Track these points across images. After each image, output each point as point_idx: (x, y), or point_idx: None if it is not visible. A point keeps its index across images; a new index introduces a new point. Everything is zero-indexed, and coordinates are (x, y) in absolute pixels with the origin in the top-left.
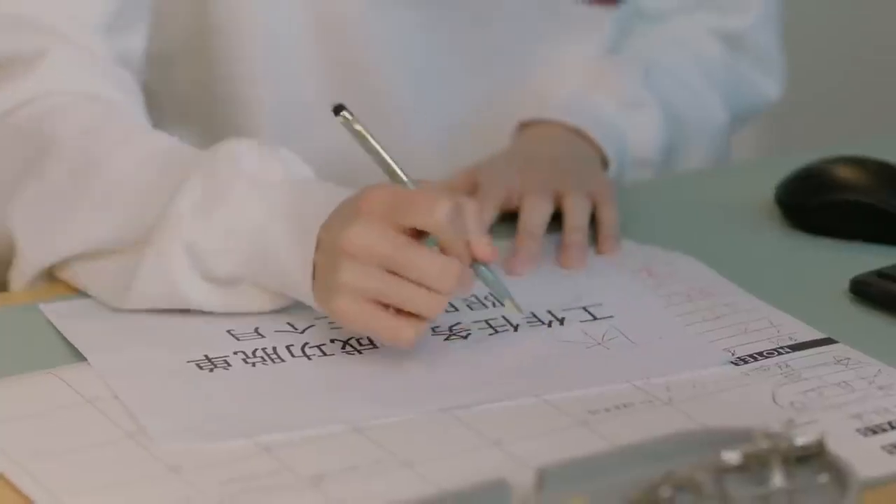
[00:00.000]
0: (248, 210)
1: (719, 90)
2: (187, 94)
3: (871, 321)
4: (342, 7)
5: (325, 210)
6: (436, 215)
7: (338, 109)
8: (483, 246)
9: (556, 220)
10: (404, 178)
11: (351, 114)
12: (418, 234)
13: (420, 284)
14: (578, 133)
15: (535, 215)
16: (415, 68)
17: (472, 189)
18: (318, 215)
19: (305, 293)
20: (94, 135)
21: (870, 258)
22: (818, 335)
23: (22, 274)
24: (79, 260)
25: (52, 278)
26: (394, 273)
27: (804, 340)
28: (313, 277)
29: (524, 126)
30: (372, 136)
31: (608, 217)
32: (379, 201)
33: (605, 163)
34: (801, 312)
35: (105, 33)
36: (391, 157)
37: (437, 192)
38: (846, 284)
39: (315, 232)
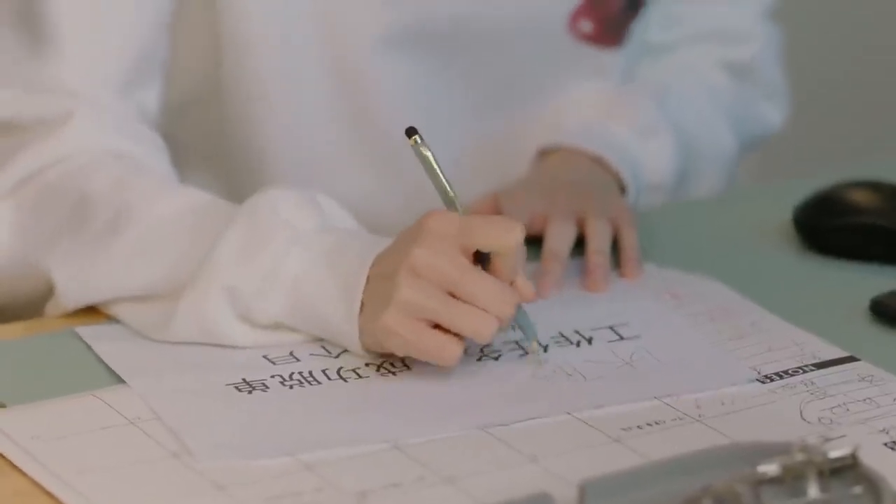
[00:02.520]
0: (289, 258)
1: (728, 118)
2: (204, 142)
3: (892, 340)
4: (353, 53)
5: (370, 255)
6: (511, 238)
7: (410, 132)
8: (529, 284)
9: (578, 245)
10: (460, 208)
11: (421, 138)
12: (475, 261)
13: (475, 307)
14: (596, 159)
15: (560, 239)
16: (424, 112)
17: (495, 214)
18: (364, 261)
19: (352, 342)
20: (127, 188)
21: (886, 279)
22: (841, 353)
23: (58, 308)
24: (116, 302)
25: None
26: (451, 294)
27: (828, 359)
28: (360, 317)
29: (543, 153)
30: (437, 162)
31: (630, 241)
32: (446, 223)
33: (622, 188)
34: (822, 332)
35: (123, 90)
36: (453, 189)
37: (505, 218)
38: (865, 304)
39: (362, 278)
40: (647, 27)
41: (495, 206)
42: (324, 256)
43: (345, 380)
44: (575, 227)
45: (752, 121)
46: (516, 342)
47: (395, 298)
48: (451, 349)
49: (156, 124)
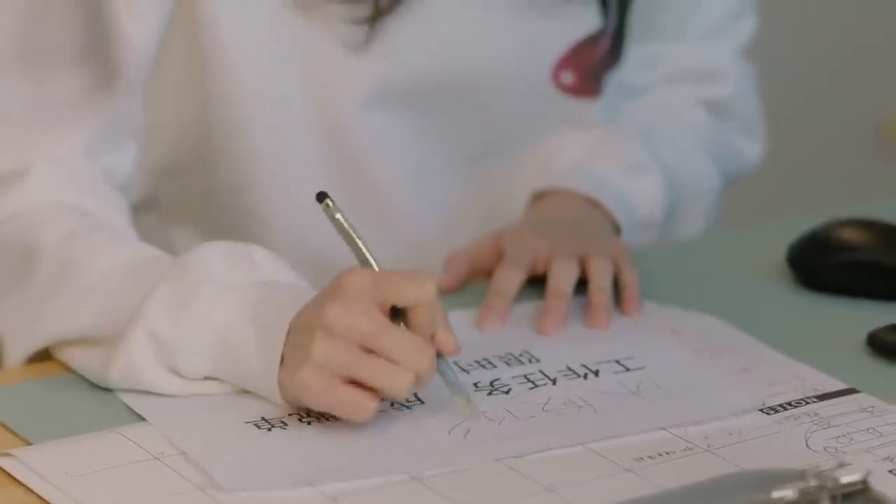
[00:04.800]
0: (214, 312)
1: (709, 154)
2: (193, 201)
3: (890, 372)
4: (340, 110)
5: (291, 310)
6: (425, 292)
7: (321, 197)
8: (451, 337)
9: (580, 284)
10: (376, 267)
11: (332, 202)
12: (394, 316)
13: (391, 362)
14: (590, 200)
15: (563, 278)
16: (413, 167)
17: (497, 255)
18: (285, 315)
19: (271, 392)
20: (76, 242)
21: (882, 314)
22: (841, 386)
23: (11, 361)
24: (61, 346)
25: None
26: (367, 350)
27: (829, 391)
28: (281, 371)
29: (536, 196)
30: (351, 225)
31: (630, 279)
32: (360, 280)
33: (615, 227)
34: (821, 366)
35: (88, 151)
36: (367, 248)
37: (419, 272)
38: (862, 338)
39: (282, 333)
40: (624, 70)
41: (497, 247)
42: (248, 311)
43: None
44: (577, 266)
45: (733, 157)
46: (524, 376)
47: (311, 354)
48: (364, 405)
49: (129, 185)
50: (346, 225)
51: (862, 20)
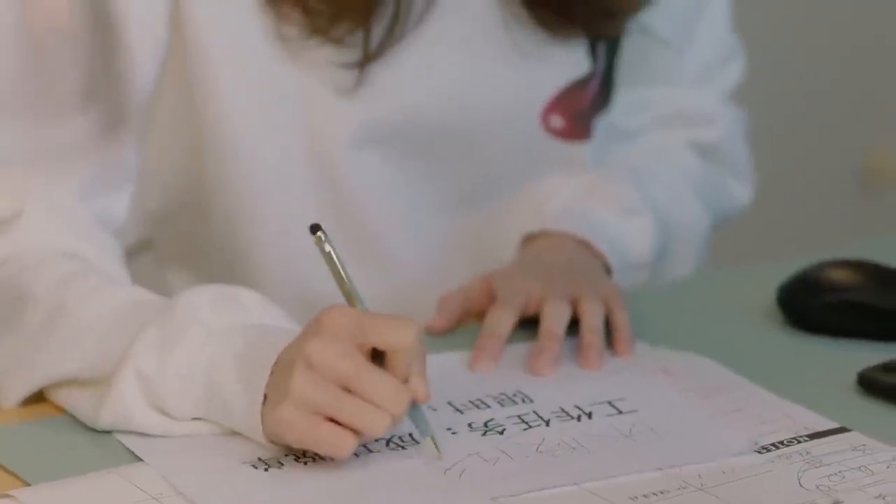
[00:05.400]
0: (200, 354)
1: (699, 197)
2: (188, 245)
3: (880, 411)
4: (332, 153)
5: (276, 351)
6: (407, 337)
7: (314, 228)
8: (424, 386)
9: (572, 325)
10: (364, 305)
11: (325, 235)
12: (374, 356)
13: (369, 403)
14: (581, 242)
15: (556, 319)
16: (404, 209)
17: (489, 296)
18: (269, 356)
19: (255, 430)
20: (68, 286)
21: (872, 354)
22: (832, 425)
23: (7, 403)
24: (54, 388)
25: None
26: (346, 389)
27: (820, 430)
28: (263, 409)
29: (529, 237)
30: (340, 260)
31: (621, 320)
32: (343, 319)
33: (606, 269)
34: (812, 405)
35: (85, 195)
36: (353, 285)
37: (401, 316)
38: (852, 378)
39: (265, 372)
40: (615, 114)
41: (489, 288)
42: (234, 352)
43: (357, 455)
44: (569, 307)
45: (722, 200)
46: (518, 416)
47: (290, 392)
48: (345, 442)
49: (124, 228)
50: (334, 259)
51: (846, 60)
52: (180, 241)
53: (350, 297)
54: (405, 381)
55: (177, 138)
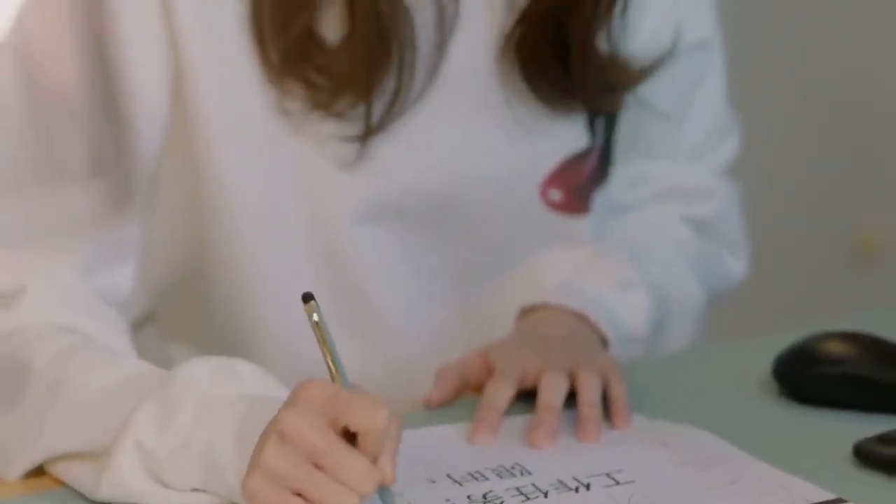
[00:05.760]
0: (198, 425)
1: (695, 271)
2: (191, 318)
3: (877, 483)
4: (333, 226)
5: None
6: (377, 421)
7: (306, 298)
8: (391, 469)
9: (569, 397)
10: (346, 380)
11: (317, 304)
12: (346, 433)
13: (337, 480)
14: (578, 315)
15: (553, 392)
16: (402, 280)
17: (486, 369)
18: (262, 427)
19: (244, 501)
20: (68, 361)
21: (867, 426)
22: (829, 496)
23: (8, 476)
24: (54, 462)
25: None
26: (316, 464)
27: (817, 502)
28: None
29: (526, 311)
30: (327, 332)
31: (619, 392)
32: (319, 394)
33: (603, 342)
34: (808, 477)
35: (85, 270)
36: (337, 358)
37: (375, 398)
38: (848, 449)
39: (255, 443)
40: (611, 188)
41: (487, 361)
42: (231, 424)
43: None
44: (567, 379)
45: (717, 274)
46: (517, 488)
47: (260, 463)
48: None
49: (128, 302)
50: (322, 329)
51: (836, 135)
52: (183, 313)
53: (333, 370)
54: (375, 460)
55: (179, 210)
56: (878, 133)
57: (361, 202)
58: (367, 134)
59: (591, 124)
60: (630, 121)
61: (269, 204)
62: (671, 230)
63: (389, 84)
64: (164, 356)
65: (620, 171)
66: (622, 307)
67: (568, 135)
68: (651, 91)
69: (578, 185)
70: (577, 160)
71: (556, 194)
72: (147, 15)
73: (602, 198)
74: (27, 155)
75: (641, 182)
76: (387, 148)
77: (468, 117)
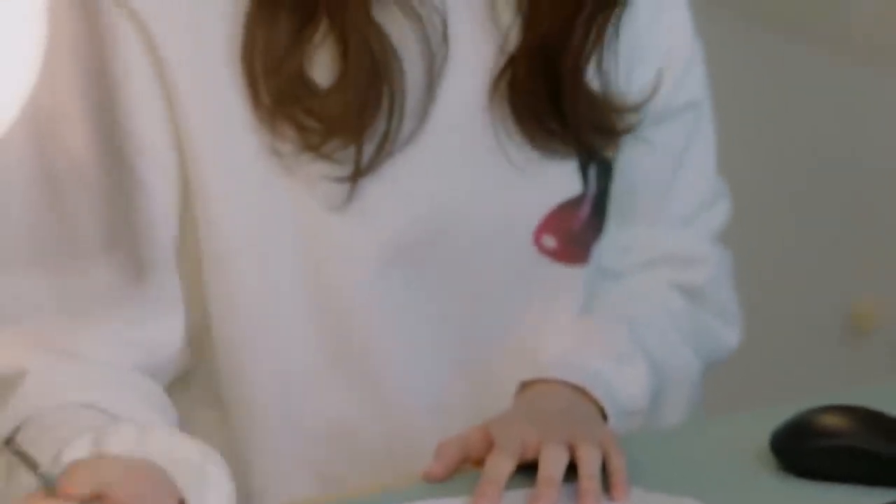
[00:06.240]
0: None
1: (689, 342)
2: (189, 370)
3: None
4: (326, 266)
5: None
6: None
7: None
8: None
9: (568, 469)
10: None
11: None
12: None
13: None
14: (577, 389)
15: (553, 465)
16: (397, 324)
17: (487, 443)
18: None
19: None
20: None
21: (864, 499)
22: None
23: None
24: None
25: None
26: None
27: None
28: None
29: (526, 385)
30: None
31: (618, 465)
32: None
33: (602, 415)
34: None
35: (109, 344)
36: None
37: None
38: None
39: None
40: (602, 253)
41: (487, 435)
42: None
43: None
44: (567, 452)
45: (711, 344)
46: None
47: None
48: None
49: (169, 360)
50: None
51: (832, 213)
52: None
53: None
54: None
55: (182, 259)
56: (877, 212)
57: (353, 244)
58: (357, 175)
59: (585, 171)
60: (617, 188)
61: (264, 246)
62: (663, 300)
63: (380, 126)
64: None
65: (609, 237)
66: (621, 380)
67: (561, 180)
68: (643, 152)
69: (573, 232)
70: (570, 207)
71: (550, 241)
72: (145, 74)
73: (594, 260)
74: (41, 228)
75: (631, 249)
76: (378, 190)
77: (460, 160)
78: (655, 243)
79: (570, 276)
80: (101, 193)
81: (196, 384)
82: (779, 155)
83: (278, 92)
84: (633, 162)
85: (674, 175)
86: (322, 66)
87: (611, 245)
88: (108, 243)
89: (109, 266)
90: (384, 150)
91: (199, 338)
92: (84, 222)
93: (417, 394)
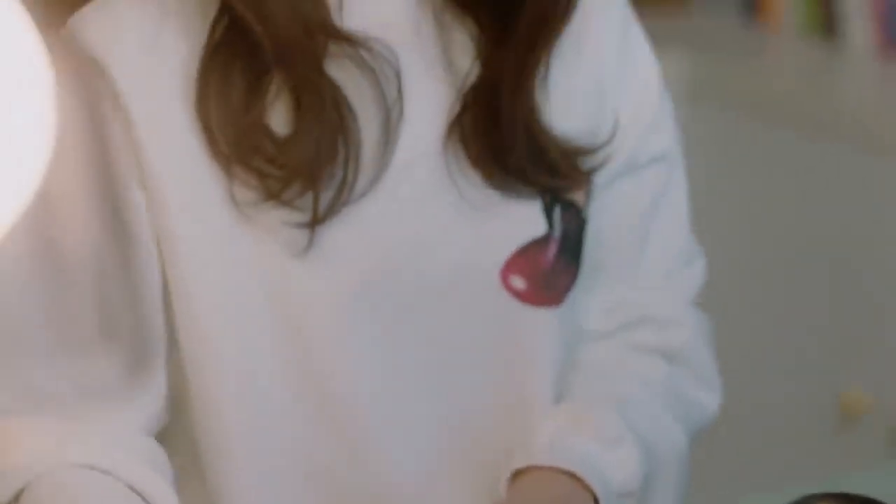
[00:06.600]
0: None
1: (675, 415)
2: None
3: None
4: (294, 313)
5: None
6: None
7: None
8: None
9: None
10: None
11: None
12: None
13: None
14: (569, 475)
15: None
16: (379, 386)
17: None
18: None
19: None
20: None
21: None
22: None
23: None
24: None
25: None
26: None
27: None
28: None
29: (518, 473)
30: None
31: None
32: None
33: (595, 499)
34: None
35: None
36: None
37: None
38: None
39: None
40: (581, 314)
41: None
42: None
43: None
44: None
45: (694, 413)
46: None
47: None
48: None
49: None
50: None
51: (821, 301)
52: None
53: None
54: None
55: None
56: (866, 304)
57: (318, 289)
58: (315, 222)
59: (550, 212)
60: (596, 234)
61: (233, 295)
62: (646, 372)
63: (337, 174)
64: None
65: (585, 299)
66: (612, 464)
67: (524, 219)
68: (613, 202)
69: (542, 274)
70: (536, 247)
71: (518, 282)
72: (128, 151)
73: (573, 323)
74: (44, 316)
75: (610, 312)
76: (338, 235)
77: (419, 203)
78: (635, 305)
79: (542, 319)
80: (101, 283)
81: (172, 434)
82: (768, 244)
83: (236, 142)
84: (604, 212)
85: (647, 230)
86: (279, 114)
87: (592, 306)
88: (108, 330)
89: (109, 354)
90: (342, 197)
91: (178, 388)
92: (85, 310)
93: (397, 441)
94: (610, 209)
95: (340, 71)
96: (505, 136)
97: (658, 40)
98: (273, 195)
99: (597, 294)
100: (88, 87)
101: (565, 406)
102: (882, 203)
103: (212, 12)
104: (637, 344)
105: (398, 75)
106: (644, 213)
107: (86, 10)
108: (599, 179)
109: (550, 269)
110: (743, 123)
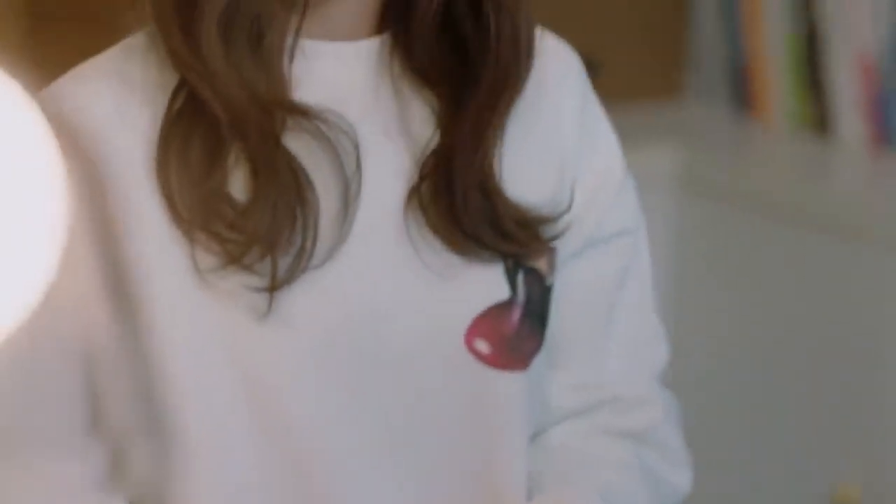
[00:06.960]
0: None
1: (651, 499)
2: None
3: None
4: (258, 377)
5: None
6: None
7: None
8: None
9: None
10: None
11: None
12: None
13: None
14: None
15: None
16: (347, 453)
17: None
18: None
19: None
20: None
21: None
22: None
23: None
24: None
25: None
26: None
27: None
28: None
29: None
30: None
31: None
32: None
33: None
34: None
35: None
36: None
37: None
38: None
39: None
40: (546, 392)
41: None
42: None
43: None
44: None
45: (668, 494)
46: None
47: None
48: None
49: None
50: None
51: (814, 394)
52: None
53: None
54: None
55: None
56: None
57: (280, 353)
58: (274, 287)
59: (513, 277)
60: (559, 305)
61: (196, 358)
62: (621, 454)
63: (296, 241)
64: None
65: (556, 373)
66: None
67: (486, 283)
68: (579, 281)
69: (506, 338)
70: (500, 311)
71: (483, 345)
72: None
73: (539, 390)
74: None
75: (579, 388)
76: (298, 299)
77: (379, 269)
78: (602, 384)
79: (508, 382)
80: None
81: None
82: (761, 336)
83: (196, 208)
84: (568, 286)
85: (612, 306)
86: (239, 181)
87: (558, 382)
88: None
89: (98, 444)
90: (300, 263)
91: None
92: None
93: (363, 502)
94: (574, 283)
95: (299, 143)
96: (460, 202)
97: (650, 132)
98: (234, 260)
99: (562, 370)
100: (75, 159)
101: (552, 496)
102: (875, 295)
103: (173, 83)
104: (607, 427)
105: (356, 147)
106: (609, 289)
107: (60, 82)
108: (563, 251)
109: (515, 334)
110: (734, 215)
